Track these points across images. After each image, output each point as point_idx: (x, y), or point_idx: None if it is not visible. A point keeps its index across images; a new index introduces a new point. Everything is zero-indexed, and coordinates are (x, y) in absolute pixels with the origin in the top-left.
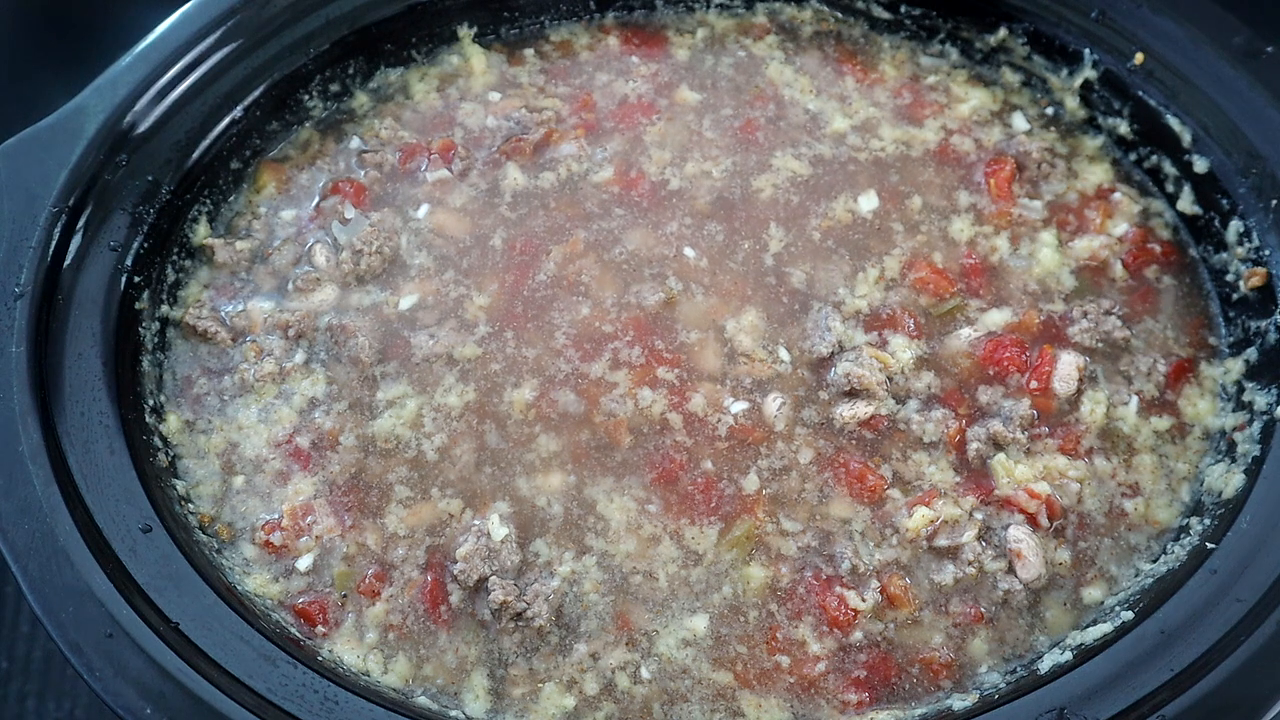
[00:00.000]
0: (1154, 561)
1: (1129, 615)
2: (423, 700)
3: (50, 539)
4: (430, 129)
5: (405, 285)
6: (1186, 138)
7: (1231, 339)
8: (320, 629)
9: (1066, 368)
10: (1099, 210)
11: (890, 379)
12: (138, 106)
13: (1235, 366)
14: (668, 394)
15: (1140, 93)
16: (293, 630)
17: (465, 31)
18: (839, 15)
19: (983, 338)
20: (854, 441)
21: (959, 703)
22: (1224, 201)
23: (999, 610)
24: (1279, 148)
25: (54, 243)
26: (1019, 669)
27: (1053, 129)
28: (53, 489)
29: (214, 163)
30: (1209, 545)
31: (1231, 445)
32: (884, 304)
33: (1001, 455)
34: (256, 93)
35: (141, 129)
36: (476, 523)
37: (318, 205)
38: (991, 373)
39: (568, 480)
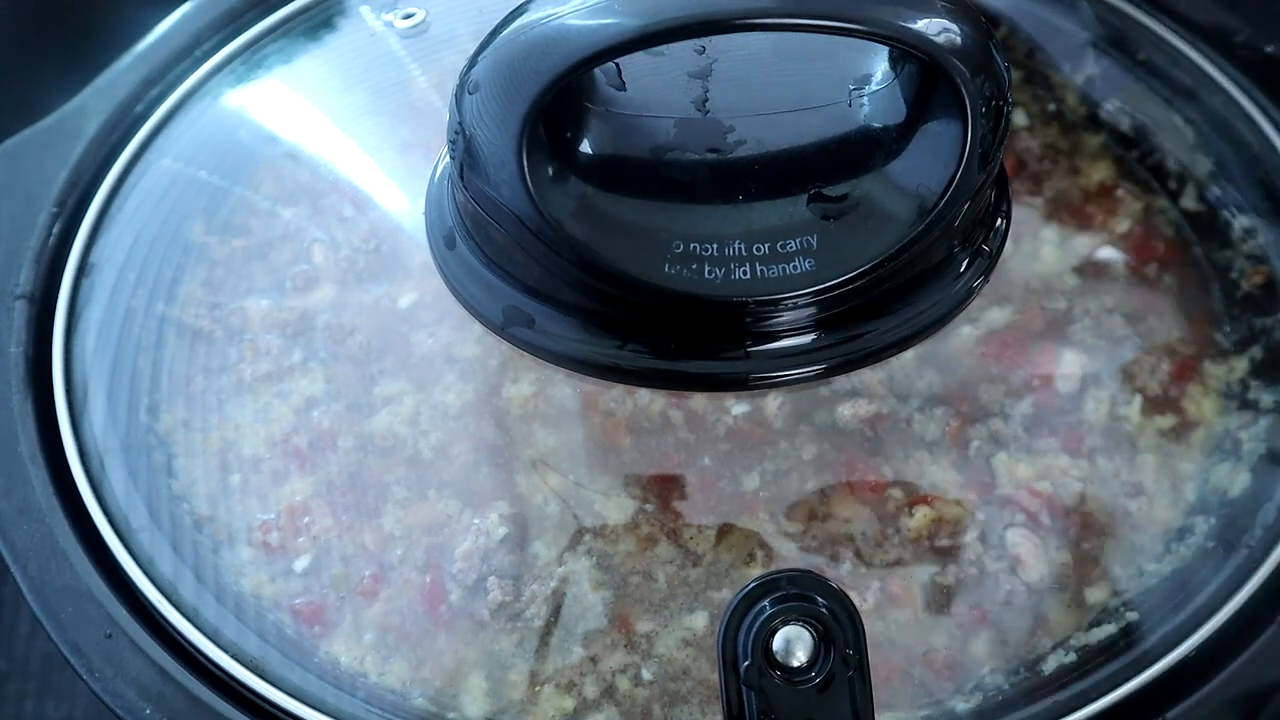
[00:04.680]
0: (1158, 561)
1: (1133, 616)
2: (420, 702)
3: (50, 539)
4: None
5: (404, 283)
6: (1189, 135)
7: (1236, 337)
8: (317, 629)
9: (1068, 365)
10: (1101, 207)
11: (891, 377)
12: (138, 107)
13: (1240, 364)
14: (668, 392)
15: (1142, 90)
16: (290, 631)
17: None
18: None
19: (984, 335)
20: (855, 440)
21: (961, 704)
22: (1227, 198)
23: (1001, 611)
24: (1278, 148)
25: (53, 243)
26: (1022, 670)
27: (1054, 125)
28: (52, 489)
29: None
30: (1211, 545)
31: (1236, 444)
32: None
33: (1003, 454)
34: None
35: (142, 129)
36: (475, 522)
37: (316, 203)
38: (993, 370)
39: (566, 479)
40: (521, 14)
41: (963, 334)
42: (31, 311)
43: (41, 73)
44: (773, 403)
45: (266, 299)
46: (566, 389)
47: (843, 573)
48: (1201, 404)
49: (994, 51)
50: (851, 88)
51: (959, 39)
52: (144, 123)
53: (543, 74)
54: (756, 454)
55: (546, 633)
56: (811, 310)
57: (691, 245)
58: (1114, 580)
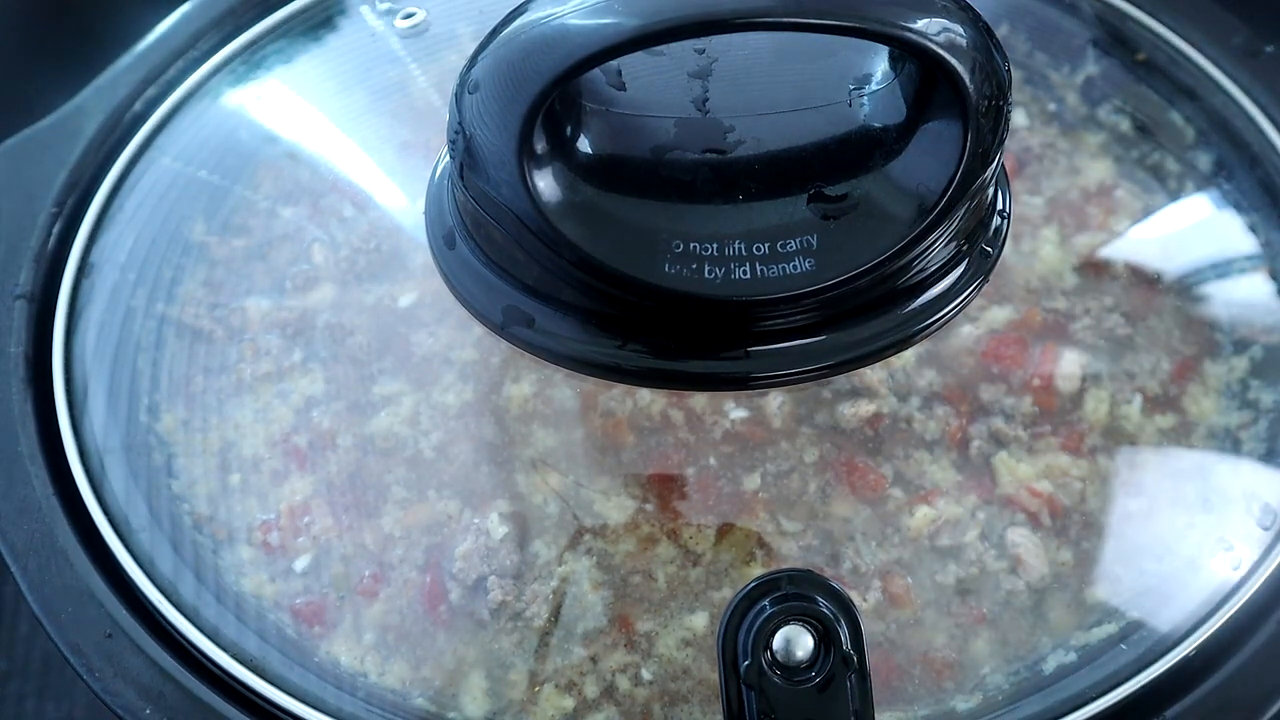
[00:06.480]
0: (1158, 561)
1: (1133, 615)
2: (420, 702)
3: (50, 539)
4: None
5: (404, 283)
6: (1189, 135)
7: (1236, 336)
8: (317, 629)
9: (1069, 365)
10: (1101, 207)
11: (892, 376)
12: (137, 106)
13: (1240, 364)
14: (668, 392)
15: (1142, 90)
16: (290, 631)
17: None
18: None
19: (985, 335)
20: (855, 440)
21: (962, 704)
22: (1226, 199)
23: (1002, 610)
24: (1278, 147)
25: (53, 243)
26: (1022, 670)
27: (1054, 125)
28: (52, 489)
29: None
30: (1212, 544)
31: (1237, 443)
32: None
33: (1004, 453)
34: None
35: (142, 129)
36: (475, 521)
37: (316, 203)
38: (994, 370)
39: (566, 479)
40: (521, 14)
41: (963, 334)
42: (31, 311)
43: (41, 73)
44: (773, 402)
45: (266, 299)
46: (566, 389)
47: (843, 573)
48: (1201, 404)
49: (994, 51)
50: (851, 88)
51: (959, 39)
52: (144, 122)
53: (543, 74)
54: (756, 454)
55: (546, 632)
56: (811, 310)
57: (691, 245)
58: (1114, 580)
